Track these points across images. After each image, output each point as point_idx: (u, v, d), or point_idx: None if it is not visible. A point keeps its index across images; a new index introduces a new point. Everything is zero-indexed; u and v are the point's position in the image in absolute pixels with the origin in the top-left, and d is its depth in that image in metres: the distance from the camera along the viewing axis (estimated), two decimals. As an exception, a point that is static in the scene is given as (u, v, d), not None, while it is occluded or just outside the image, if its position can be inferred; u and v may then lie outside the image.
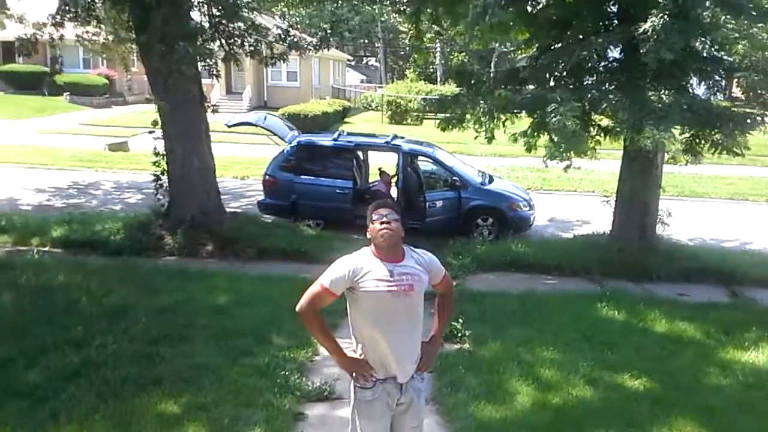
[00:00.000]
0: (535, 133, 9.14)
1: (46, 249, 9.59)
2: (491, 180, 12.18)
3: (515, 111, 9.63)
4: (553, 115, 7.99)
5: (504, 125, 9.71)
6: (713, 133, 8.63)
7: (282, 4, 16.85)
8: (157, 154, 10.17)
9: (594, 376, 6.03)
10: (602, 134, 9.52)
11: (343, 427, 4.94)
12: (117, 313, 6.83)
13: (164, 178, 10.31)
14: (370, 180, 12.84)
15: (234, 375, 5.63)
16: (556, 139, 8.32)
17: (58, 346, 5.90)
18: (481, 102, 9.17)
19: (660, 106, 7.85)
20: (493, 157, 19.13)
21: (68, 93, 31.02)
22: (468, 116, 9.48)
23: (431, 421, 4.99)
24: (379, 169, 12.59)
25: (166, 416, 4.86)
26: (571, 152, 8.40)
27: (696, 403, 5.60)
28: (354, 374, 3.53)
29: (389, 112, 30.70)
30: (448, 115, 10.16)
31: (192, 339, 6.33)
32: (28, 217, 10.89)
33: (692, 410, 5.45)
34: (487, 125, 9.34)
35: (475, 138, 9.79)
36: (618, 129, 8.43)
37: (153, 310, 6.97)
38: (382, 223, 3.46)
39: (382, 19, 46.02)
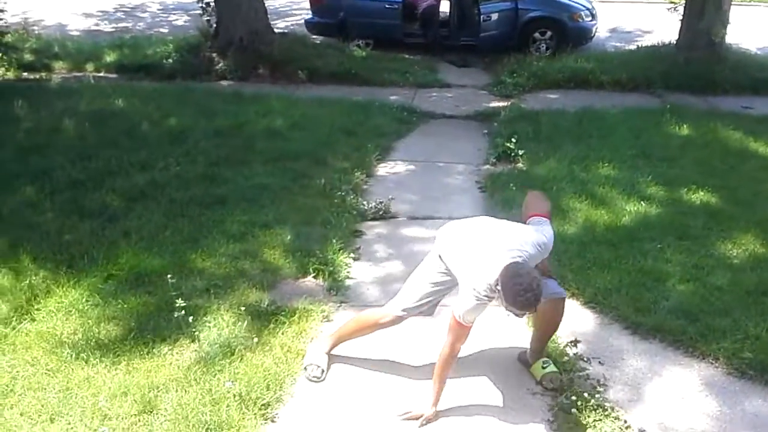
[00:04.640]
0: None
1: (101, 74, 9.69)
2: (551, -13, 11.39)
3: None
4: None
5: None
6: None
7: None
8: (201, -30, 9.84)
9: (650, 191, 5.98)
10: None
11: (400, 243, 5.16)
12: (177, 136, 6.98)
13: (210, -3, 10.05)
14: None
15: (293, 195, 5.79)
16: None
17: (123, 169, 6.11)
18: None
19: None
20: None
21: None
22: None
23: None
24: None
25: (231, 233, 5.09)
26: None
27: (753, 216, 5.55)
28: None
29: None
30: None
31: (250, 161, 6.46)
32: (80, 42, 10.90)
33: (749, 223, 5.41)
34: None
35: None
36: None
37: (211, 133, 7.09)
38: None
39: None
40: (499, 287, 3.05)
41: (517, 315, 3.16)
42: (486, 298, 3.16)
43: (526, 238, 3.27)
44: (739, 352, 3.83)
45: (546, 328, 3.68)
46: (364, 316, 3.85)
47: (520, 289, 2.98)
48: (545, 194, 3.62)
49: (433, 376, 3.38)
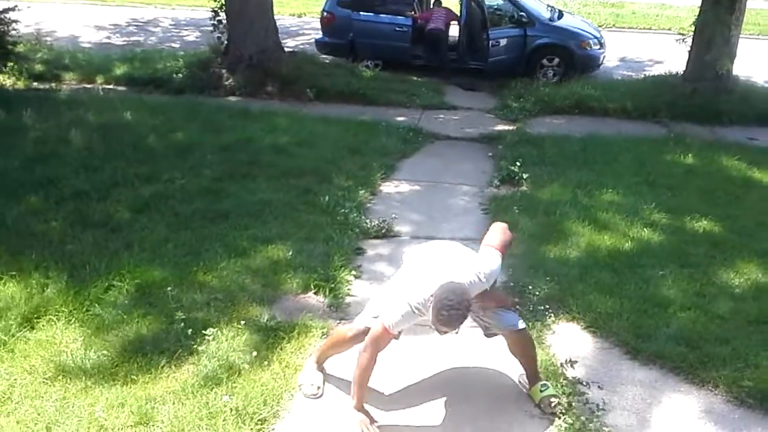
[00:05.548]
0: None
1: (111, 86, 9.80)
2: (560, 15, 11.51)
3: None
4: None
5: None
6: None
7: None
8: (214, -12, 9.97)
9: (653, 218, 5.98)
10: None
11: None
12: (183, 150, 7.02)
13: (222, 14, 10.16)
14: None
15: (296, 211, 5.80)
16: None
17: (129, 180, 6.14)
18: None
19: None
20: (563, -10, 18.00)
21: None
22: None
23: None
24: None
25: (233, 247, 5.10)
26: None
27: (756, 246, 5.53)
28: None
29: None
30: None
31: (255, 176, 6.49)
32: (91, 54, 11.01)
33: (751, 253, 5.40)
34: None
35: None
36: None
37: (217, 148, 7.12)
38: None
39: None
40: (431, 301, 3.12)
41: (440, 332, 3.21)
42: (417, 311, 3.22)
43: (471, 265, 3.33)
44: (738, 380, 3.80)
45: (522, 359, 3.69)
46: (335, 332, 3.87)
47: (447, 305, 3.06)
48: (508, 227, 3.63)
49: (353, 382, 3.42)
